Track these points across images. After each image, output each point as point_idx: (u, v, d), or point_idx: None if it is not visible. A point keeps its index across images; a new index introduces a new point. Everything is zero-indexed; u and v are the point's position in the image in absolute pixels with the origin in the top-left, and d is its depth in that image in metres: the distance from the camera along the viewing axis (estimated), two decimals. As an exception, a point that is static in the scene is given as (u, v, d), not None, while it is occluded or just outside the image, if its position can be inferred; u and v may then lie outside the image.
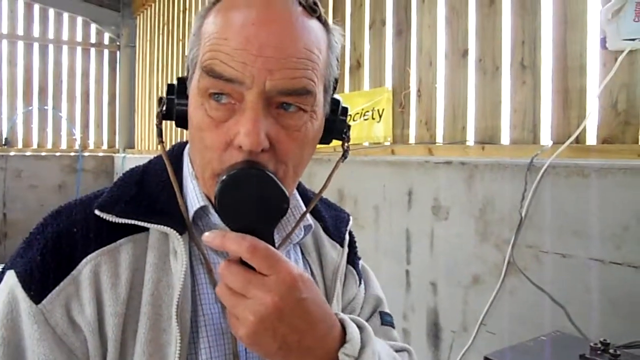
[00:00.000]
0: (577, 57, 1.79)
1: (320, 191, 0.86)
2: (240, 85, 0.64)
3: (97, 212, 0.70)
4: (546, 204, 1.65)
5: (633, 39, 1.59)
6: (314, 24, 0.70)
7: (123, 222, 0.70)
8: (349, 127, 0.83)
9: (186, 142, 0.83)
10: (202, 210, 0.74)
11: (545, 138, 1.88)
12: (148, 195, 0.75)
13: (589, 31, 1.76)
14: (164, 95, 0.76)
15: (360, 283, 0.97)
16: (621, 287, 1.48)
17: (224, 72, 0.64)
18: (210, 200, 0.73)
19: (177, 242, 0.70)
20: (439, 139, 2.22)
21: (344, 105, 0.81)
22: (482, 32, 2.07)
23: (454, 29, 2.19)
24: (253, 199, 0.64)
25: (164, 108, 0.75)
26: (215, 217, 0.75)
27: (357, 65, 2.66)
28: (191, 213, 0.73)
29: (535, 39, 1.90)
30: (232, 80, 0.64)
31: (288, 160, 0.69)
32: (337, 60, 0.77)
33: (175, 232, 0.70)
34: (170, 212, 0.73)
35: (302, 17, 0.68)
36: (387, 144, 2.40)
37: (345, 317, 0.71)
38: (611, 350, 0.95)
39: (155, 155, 0.82)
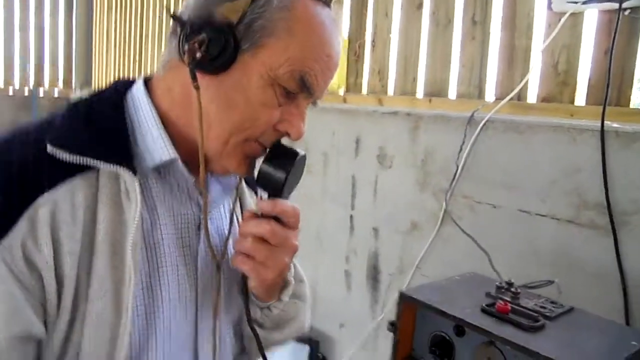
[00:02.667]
0: (525, 16, 1.84)
1: None
2: (309, 96, 0.78)
3: (50, 148, 0.70)
4: (482, 157, 1.73)
5: (576, 2, 1.64)
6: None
7: (75, 160, 0.71)
8: None
9: (131, 82, 0.84)
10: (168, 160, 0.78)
11: (490, 94, 1.94)
12: (99, 132, 0.75)
13: (536, -9, 1.81)
14: (202, 33, 0.73)
15: None
16: (544, 237, 1.58)
17: (311, 86, 0.76)
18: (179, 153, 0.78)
19: (131, 182, 0.72)
20: (391, 89, 2.26)
21: None
22: (438, -15, 2.10)
23: (410, -20, 2.20)
24: (297, 176, 0.85)
25: (208, 48, 0.72)
26: (182, 167, 0.79)
27: (315, 12, 2.65)
28: (157, 160, 0.77)
29: (487, -5, 1.94)
30: (311, 93, 0.77)
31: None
32: None
33: (129, 173, 0.73)
34: (123, 153, 0.75)
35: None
36: (341, 92, 2.44)
37: None
38: (513, 289, 1.05)
39: (103, 90, 0.82)
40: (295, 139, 0.79)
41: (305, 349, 2.30)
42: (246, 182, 1.01)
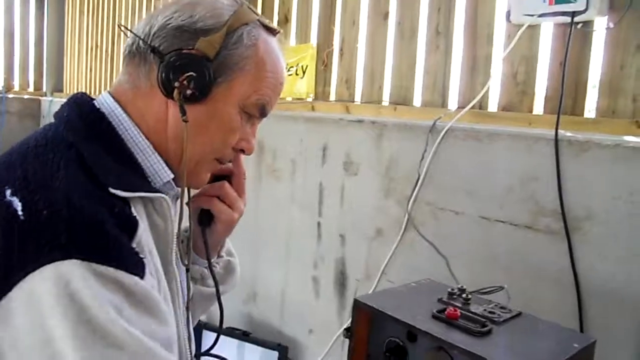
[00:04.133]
0: (485, 26, 1.89)
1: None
2: (262, 118, 0.92)
3: (113, 190, 0.74)
4: (444, 165, 1.77)
5: (532, 15, 1.70)
6: None
7: (132, 195, 0.76)
8: None
9: (90, 98, 0.86)
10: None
11: (453, 102, 1.99)
12: (128, 166, 0.81)
13: (497, 3, 1.86)
14: (188, 70, 0.80)
15: None
16: (502, 242, 1.63)
17: (267, 112, 0.91)
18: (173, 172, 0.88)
19: (165, 204, 0.82)
20: (358, 97, 2.30)
21: None
22: (403, -4, 2.14)
23: (376, -10, 2.24)
24: None
25: (194, 84, 0.80)
26: (174, 187, 0.90)
27: (284, 21, 2.68)
28: (161, 183, 0.86)
29: (450, 7, 1.98)
30: (264, 116, 0.92)
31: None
32: None
33: (164, 196, 0.82)
34: (144, 180, 0.84)
35: None
36: (309, 100, 2.47)
37: None
38: (464, 295, 1.08)
39: (78, 110, 0.84)
40: (249, 154, 0.94)
41: (274, 355, 2.32)
42: None
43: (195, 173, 0.88)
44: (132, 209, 0.76)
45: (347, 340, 1.12)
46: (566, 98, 1.64)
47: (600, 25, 1.62)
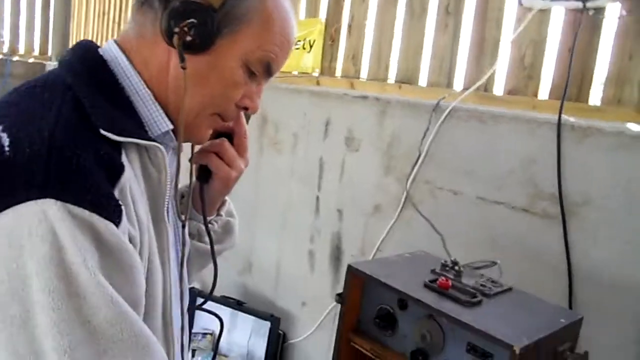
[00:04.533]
0: (496, 9, 1.88)
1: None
2: (268, 77, 0.88)
3: (103, 132, 0.72)
4: (446, 144, 1.77)
5: (543, -2, 1.69)
6: None
7: (124, 140, 0.74)
8: None
9: (96, 45, 0.86)
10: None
11: (459, 83, 1.98)
12: (125, 111, 0.80)
13: (510, -14, 1.84)
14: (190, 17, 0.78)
15: None
16: (499, 224, 1.64)
17: (273, 71, 0.87)
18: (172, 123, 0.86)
19: (160, 154, 0.80)
20: (364, 74, 2.29)
21: None
22: (414, -25, 2.12)
23: (388, -33, 2.22)
24: None
25: (195, 31, 0.78)
26: (173, 138, 0.87)
27: (294, -7, 2.67)
28: (159, 132, 0.84)
29: (462, -13, 1.97)
30: (271, 75, 0.88)
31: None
32: None
33: (159, 146, 0.80)
34: (140, 128, 0.82)
35: None
36: (315, 74, 2.46)
37: None
38: (457, 267, 1.09)
39: (82, 55, 0.83)
40: (253, 113, 0.92)
41: (267, 325, 2.34)
42: None
43: (195, 126, 0.86)
44: (123, 155, 0.74)
45: (339, 314, 1.13)
46: (572, 85, 1.64)
47: (613, 13, 1.61)
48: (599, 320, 1.41)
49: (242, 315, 2.40)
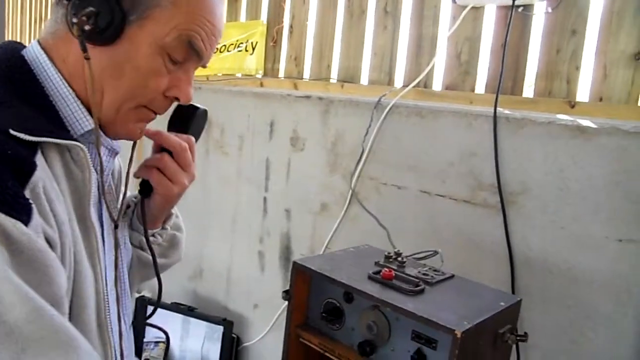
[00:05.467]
0: (432, 7, 1.93)
1: None
2: (198, 60, 0.84)
3: (13, 132, 0.69)
4: (388, 140, 1.80)
5: (476, -4, 1.74)
6: None
7: (38, 140, 0.71)
8: None
9: (19, 44, 0.84)
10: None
11: (399, 81, 2.03)
12: (40, 110, 0.77)
13: (444, -16, 1.90)
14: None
15: None
16: (443, 216, 1.68)
17: (200, 49, 0.81)
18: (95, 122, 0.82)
19: (82, 153, 0.77)
20: (306, 75, 2.31)
21: None
22: (352, -25, 2.16)
23: (327, -32, 2.25)
24: (198, 130, 1.02)
25: (96, 20, 0.75)
26: (101, 133, 0.84)
27: (235, -4, 2.66)
28: (81, 131, 0.81)
29: (398, -14, 2.01)
30: (200, 57, 0.83)
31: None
32: None
33: (79, 144, 0.77)
34: (59, 125, 0.79)
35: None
36: (259, 76, 2.46)
37: None
38: (400, 259, 1.12)
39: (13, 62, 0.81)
40: (185, 103, 0.87)
41: (220, 329, 2.32)
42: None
43: (120, 121, 0.83)
44: (39, 155, 0.72)
45: (286, 311, 1.13)
46: (506, 79, 1.70)
47: (540, 10, 1.68)
48: (539, 304, 1.47)
49: (194, 321, 2.38)
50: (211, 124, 2.43)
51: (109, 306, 0.84)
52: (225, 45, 2.57)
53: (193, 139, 0.98)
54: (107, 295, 0.85)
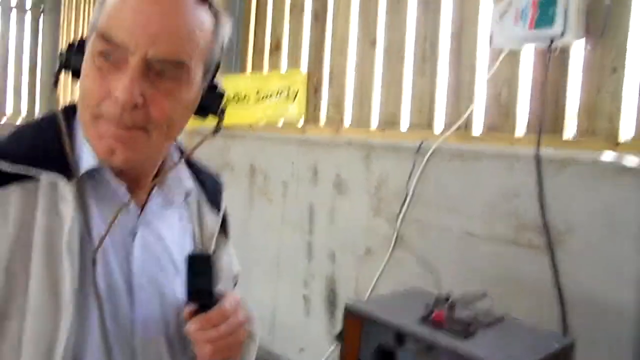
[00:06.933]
0: (470, 52, 1.98)
1: (187, 154, 1.00)
2: (126, 50, 0.77)
3: None
4: (431, 184, 1.83)
5: (513, 40, 1.78)
6: (202, 11, 0.83)
7: (14, 170, 0.78)
8: (223, 107, 0.94)
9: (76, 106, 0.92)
10: (95, 170, 0.85)
11: (439, 125, 2.06)
12: (40, 145, 0.84)
13: (480, 29, 1.95)
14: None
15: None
16: (487, 257, 1.68)
17: (114, 37, 0.77)
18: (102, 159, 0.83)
19: (65, 188, 0.80)
20: (347, 121, 2.37)
21: (221, 90, 0.93)
22: (390, 24, 2.23)
23: (365, 19, 2.33)
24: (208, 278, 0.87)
25: (63, 60, 0.86)
26: (108, 174, 0.86)
27: (276, 47, 2.77)
28: (84, 169, 0.84)
29: (435, 34, 2.07)
30: (119, 45, 0.77)
31: (161, 120, 0.81)
32: (222, 48, 0.90)
33: (63, 179, 0.81)
34: (61, 162, 0.83)
35: (191, 3, 0.81)
36: (300, 123, 2.53)
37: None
38: (449, 301, 1.13)
39: (49, 113, 0.91)
40: (123, 101, 0.77)
41: (266, 374, 2.33)
42: (208, 197, 1.06)
43: (89, 138, 0.83)
44: (14, 186, 0.79)
45: (337, 358, 1.14)
46: (547, 119, 1.72)
47: (578, 49, 1.70)
48: (591, 345, 1.44)
49: (240, 366, 2.39)
50: (255, 171, 2.50)
51: (81, 358, 0.80)
52: (267, 94, 2.66)
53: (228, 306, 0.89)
54: (83, 349, 0.81)
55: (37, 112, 5.56)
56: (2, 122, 5.28)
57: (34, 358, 0.76)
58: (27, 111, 5.54)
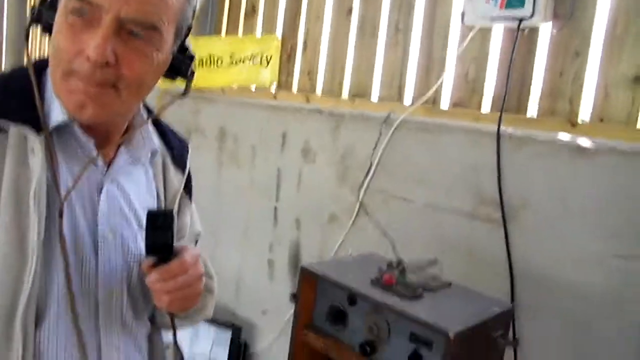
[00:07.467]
0: (443, 27, 2.00)
1: (154, 115, 1.02)
2: (99, 8, 0.79)
3: None
4: (396, 155, 1.87)
5: (484, 17, 1.81)
6: None
7: None
8: (192, 70, 0.96)
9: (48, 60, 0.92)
10: (64, 126, 0.87)
11: (409, 98, 2.09)
12: (10, 98, 0.85)
13: (454, 5, 1.97)
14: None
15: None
16: (447, 229, 1.74)
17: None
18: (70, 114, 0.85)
19: (35, 141, 0.82)
20: (319, 89, 2.39)
21: (191, 53, 0.95)
22: (366, -6, 2.24)
23: (341, -13, 2.33)
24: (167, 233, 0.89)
25: (35, 14, 0.86)
26: (77, 129, 0.88)
27: (252, 12, 2.75)
28: (54, 123, 0.86)
29: (410, 5, 2.08)
30: (93, 3, 0.79)
31: (131, 79, 0.83)
32: (194, 12, 0.92)
33: (33, 132, 0.83)
34: (30, 116, 0.84)
35: None
36: (272, 89, 2.54)
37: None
38: (401, 266, 1.18)
39: (19, 66, 0.92)
40: (95, 59, 0.78)
41: (228, 334, 2.38)
42: (173, 158, 1.09)
43: (59, 94, 0.85)
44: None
45: (293, 313, 1.19)
46: (511, 98, 1.77)
47: (545, 31, 1.74)
48: (537, 318, 1.52)
49: (203, 325, 2.44)
50: (225, 135, 2.51)
51: (44, 307, 0.84)
52: (240, 58, 2.65)
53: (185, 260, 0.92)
54: (47, 298, 0.84)
55: (4, 68, 5.42)
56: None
57: None
58: (-6, 64, 5.38)
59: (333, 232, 2.05)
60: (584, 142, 1.49)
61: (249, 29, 2.77)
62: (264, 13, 2.69)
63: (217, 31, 2.88)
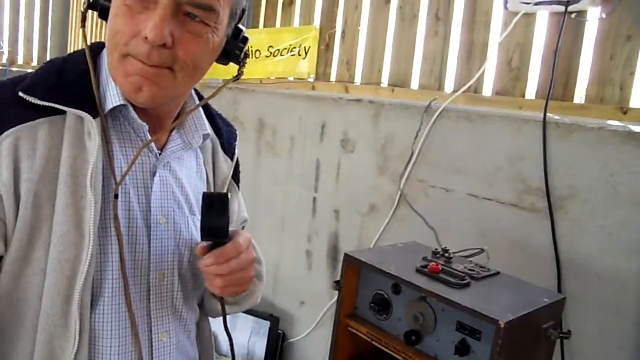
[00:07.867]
0: (484, 14, 1.96)
1: (207, 98, 1.01)
2: None
3: (20, 94, 0.82)
4: (437, 144, 1.84)
5: (528, 3, 1.76)
6: None
7: (43, 104, 0.82)
8: (246, 54, 0.96)
9: (104, 44, 0.94)
10: (121, 106, 0.88)
11: (449, 86, 2.06)
12: (67, 82, 0.87)
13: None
14: None
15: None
16: (489, 219, 1.70)
17: None
18: (127, 99, 0.87)
19: (91, 125, 0.84)
20: (357, 78, 2.37)
21: (245, 35, 0.95)
22: (405, -18, 2.21)
23: (380, -24, 2.31)
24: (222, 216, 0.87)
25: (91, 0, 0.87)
26: (132, 113, 0.89)
27: (289, 2, 2.75)
28: (110, 106, 0.87)
29: (451, -7, 2.05)
30: None
31: (187, 61, 0.84)
32: None
33: (89, 116, 0.84)
34: (87, 99, 0.86)
35: None
36: (310, 80, 2.53)
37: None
38: (447, 254, 1.16)
39: (76, 50, 0.93)
40: (152, 40, 0.79)
41: (266, 325, 2.39)
42: (223, 144, 1.10)
43: (115, 77, 0.86)
44: (44, 119, 0.82)
45: (336, 301, 1.18)
46: (557, 85, 1.72)
47: (593, 16, 1.69)
48: (585, 308, 1.48)
49: (242, 315, 2.45)
50: (263, 125, 2.51)
51: (99, 289, 0.85)
52: (278, 49, 2.65)
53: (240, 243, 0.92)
54: (102, 280, 0.85)
55: (49, 54, 5.53)
56: (14, 69, 5.28)
57: (57, 285, 0.81)
58: (38, 59, 5.53)
59: (372, 222, 2.03)
60: (636, 128, 1.44)
61: (287, 20, 2.76)
62: (301, 3, 2.69)
63: (255, 23, 2.88)
